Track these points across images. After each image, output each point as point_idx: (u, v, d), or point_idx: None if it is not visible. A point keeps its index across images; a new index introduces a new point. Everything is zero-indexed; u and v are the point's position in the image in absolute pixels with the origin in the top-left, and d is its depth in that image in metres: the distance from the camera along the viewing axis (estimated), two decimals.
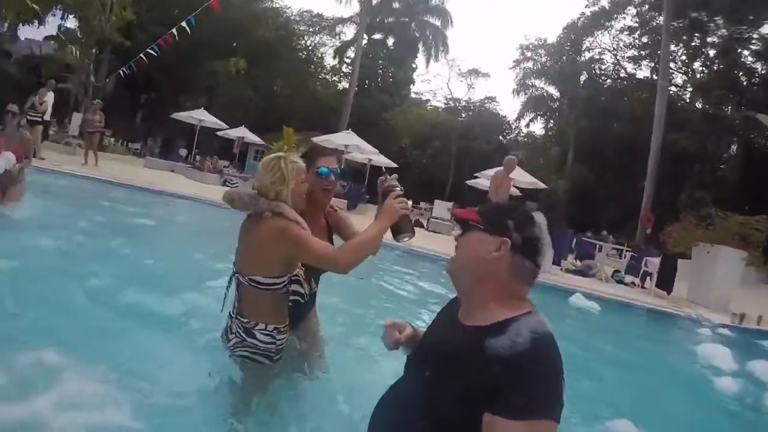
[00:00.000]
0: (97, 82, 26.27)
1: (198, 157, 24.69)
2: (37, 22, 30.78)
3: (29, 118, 13.65)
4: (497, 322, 1.52)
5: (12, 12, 25.71)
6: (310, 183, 2.72)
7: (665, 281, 10.76)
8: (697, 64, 35.36)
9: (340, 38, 46.91)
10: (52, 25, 33.82)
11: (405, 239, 2.45)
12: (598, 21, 38.07)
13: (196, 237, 8.37)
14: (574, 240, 14.44)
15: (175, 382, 2.78)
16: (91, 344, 3.11)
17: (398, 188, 2.47)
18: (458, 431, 1.47)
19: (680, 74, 36.03)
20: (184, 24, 19.27)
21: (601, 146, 34.75)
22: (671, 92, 32.76)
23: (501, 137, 44.26)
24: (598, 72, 40.10)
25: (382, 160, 25.84)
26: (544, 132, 44.54)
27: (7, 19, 30.85)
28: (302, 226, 2.43)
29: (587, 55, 40.16)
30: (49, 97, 14.51)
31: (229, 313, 2.61)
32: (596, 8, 37.83)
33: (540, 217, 1.65)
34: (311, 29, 46.75)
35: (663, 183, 29.18)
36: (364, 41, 43.47)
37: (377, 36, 47.23)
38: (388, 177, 2.54)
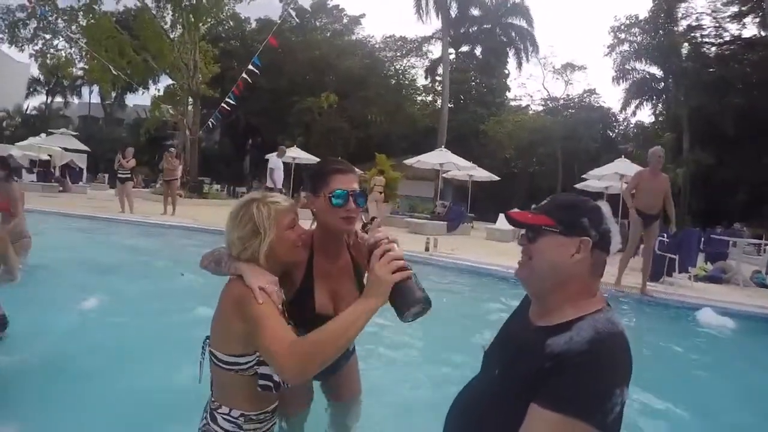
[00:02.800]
0: (193, 135, 27.92)
1: (295, 195, 25.22)
2: (140, 89, 33.46)
3: (119, 175, 14.53)
4: (564, 322, 1.48)
5: (105, 83, 28.24)
6: (324, 212, 2.13)
7: None
8: None
9: (428, 57, 47.01)
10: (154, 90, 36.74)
11: (412, 316, 1.66)
12: None
13: None
14: (702, 239, 12.99)
15: None
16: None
17: (386, 240, 1.73)
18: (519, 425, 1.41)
19: None
20: (251, 66, 20.16)
21: (719, 123, 31.44)
22: None
23: (609, 132, 41.97)
24: (699, 40, 36.16)
25: (482, 174, 25.33)
26: (653, 119, 41.27)
27: (107, 91, 34.24)
28: (267, 291, 1.80)
29: (684, 23, 36.51)
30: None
31: None
32: None
33: (605, 206, 1.59)
34: (398, 54, 47.15)
35: None
36: (452, 55, 43.30)
37: (465, 48, 46.84)
38: (370, 226, 1.87)
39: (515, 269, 1.65)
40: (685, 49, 36.08)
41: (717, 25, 35.70)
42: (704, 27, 36.15)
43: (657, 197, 8.14)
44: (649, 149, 8.63)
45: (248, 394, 1.92)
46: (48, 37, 28.45)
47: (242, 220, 1.92)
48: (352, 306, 1.69)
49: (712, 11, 35.33)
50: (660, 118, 40.08)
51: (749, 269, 11.25)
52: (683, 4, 35.91)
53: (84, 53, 28.29)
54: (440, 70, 41.79)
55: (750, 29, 34.37)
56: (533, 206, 1.71)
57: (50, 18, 26.20)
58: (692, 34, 36.01)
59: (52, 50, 29.16)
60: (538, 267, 1.57)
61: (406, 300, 1.64)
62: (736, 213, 27.48)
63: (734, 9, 34.19)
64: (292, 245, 1.99)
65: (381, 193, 17.97)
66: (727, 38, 35.61)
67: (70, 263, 7.15)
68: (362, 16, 46.53)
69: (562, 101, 44.47)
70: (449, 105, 38.46)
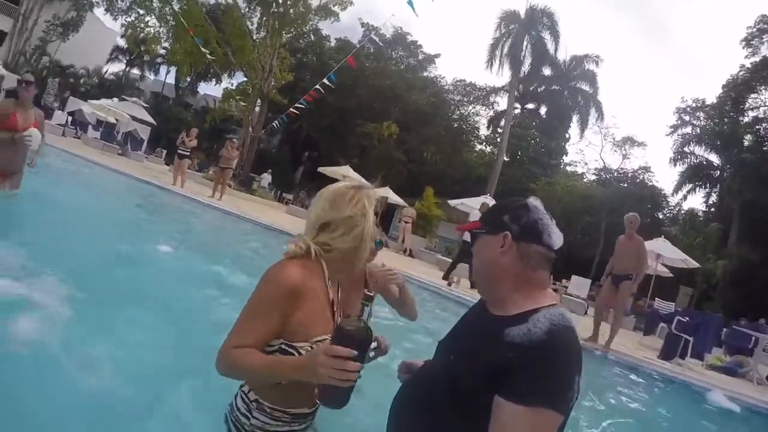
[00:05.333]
0: (255, 134, 29.20)
1: None
2: (214, 80, 34.65)
3: (179, 152, 15.40)
4: (520, 313, 1.56)
5: (184, 67, 29.63)
6: None
7: None
8: None
9: (493, 108, 47.36)
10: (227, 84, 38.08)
11: (324, 405, 1.65)
12: (760, 74, 33.87)
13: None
14: (724, 329, 12.73)
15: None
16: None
17: (353, 347, 1.53)
18: (477, 411, 1.49)
19: None
20: (325, 80, 20.92)
21: None
22: None
23: (657, 213, 41.10)
24: (764, 133, 35.25)
25: None
26: (704, 207, 39.91)
27: (183, 74, 35.71)
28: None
29: (751, 114, 35.77)
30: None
31: None
32: (757, 59, 33.83)
33: (534, 201, 1.77)
34: (465, 99, 47.62)
35: None
36: (518, 110, 43.56)
37: (530, 105, 47.10)
38: (355, 317, 1.68)
39: None
40: (747, 140, 35.33)
41: None
42: None
43: (629, 259, 8.80)
44: (625, 215, 9.47)
45: None
46: (141, 12, 29.82)
47: (355, 202, 1.87)
48: (282, 361, 1.71)
49: None
50: (712, 209, 38.93)
51: (766, 370, 10.91)
52: (753, 95, 35.41)
53: (171, 34, 29.73)
54: (503, 122, 41.97)
55: None
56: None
57: None
58: (757, 126, 35.28)
59: (142, 25, 30.40)
60: (476, 266, 1.77)
61: (332, 396, 1.60)
62: None
63: None
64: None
65: (407, 223, 18.86)
66: None
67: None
68: (437, 56, 47.18)
69: (615, 173, 43.92)
70: (505, 158, 38.62)
